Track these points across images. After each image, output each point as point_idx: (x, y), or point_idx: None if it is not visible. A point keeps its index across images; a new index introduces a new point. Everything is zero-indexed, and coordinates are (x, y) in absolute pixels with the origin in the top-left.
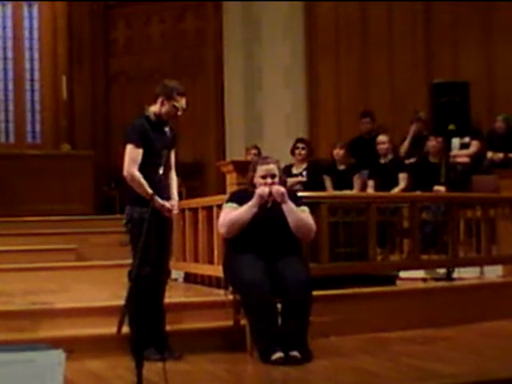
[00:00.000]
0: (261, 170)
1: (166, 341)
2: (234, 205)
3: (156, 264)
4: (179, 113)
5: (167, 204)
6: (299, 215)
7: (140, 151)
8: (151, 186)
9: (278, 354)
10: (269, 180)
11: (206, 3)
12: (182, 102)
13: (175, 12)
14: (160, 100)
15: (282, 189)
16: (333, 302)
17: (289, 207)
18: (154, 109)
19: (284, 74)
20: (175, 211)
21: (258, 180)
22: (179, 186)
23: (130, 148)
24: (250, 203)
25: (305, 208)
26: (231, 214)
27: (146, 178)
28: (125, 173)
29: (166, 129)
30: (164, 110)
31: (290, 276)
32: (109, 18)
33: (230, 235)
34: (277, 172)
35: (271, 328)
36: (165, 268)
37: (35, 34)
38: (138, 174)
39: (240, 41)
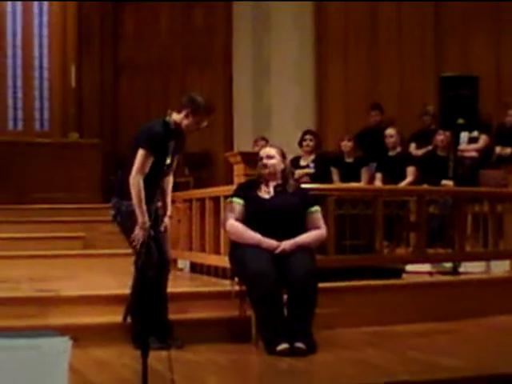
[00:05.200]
0: (261, 152)
1: (168, 329)
2: (241, 200)
3: (158, 254)
4: (199, 128)
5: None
6: (311, 239)
7: (151, 159)
8: (150, 189)
9: (283, 345)
10: (264, 161)
11: None
12: (205, 121)
13: (184, 3)
14: (185, 112)
15: (288, 245)
16: (338, 294)
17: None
18: (176, 118)
19: (293, 66)
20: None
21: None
22: (186, 176)
23: (141, 154)
24: (259, 241)
25: (317, 208)
26: (239, 228)
27: (147, 180)
28: (131, 179)
29: (180, 137)
30: (186, 122)
31: (296, 267)
32: (119, 5)
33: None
34: (276, 154)
35: (277, 319)
36: (166, 256)
37: (45, 21)
38: (141, 186)
39: (249, 32)
